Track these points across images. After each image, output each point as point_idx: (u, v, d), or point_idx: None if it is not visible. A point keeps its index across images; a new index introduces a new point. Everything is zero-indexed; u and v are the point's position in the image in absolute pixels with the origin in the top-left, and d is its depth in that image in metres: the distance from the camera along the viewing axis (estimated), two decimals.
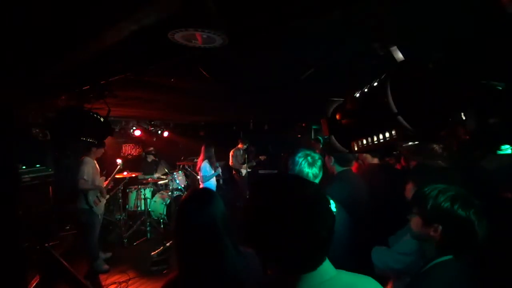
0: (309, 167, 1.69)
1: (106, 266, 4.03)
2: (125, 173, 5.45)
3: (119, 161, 5.03)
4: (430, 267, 1.17)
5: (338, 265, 0.83)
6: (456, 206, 1.13)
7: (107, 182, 4.36)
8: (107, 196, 4.27)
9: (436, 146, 2.06)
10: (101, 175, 4.24)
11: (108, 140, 3.86)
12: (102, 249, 4.31)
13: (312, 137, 7.92)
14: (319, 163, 1.73)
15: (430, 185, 1.23)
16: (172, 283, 1.20)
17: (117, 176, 5.32)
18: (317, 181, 1.72)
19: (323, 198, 0.78)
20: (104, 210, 4.26)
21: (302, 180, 0.85)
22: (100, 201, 4.07)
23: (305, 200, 0.75)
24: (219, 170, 5.22)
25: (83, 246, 4.07)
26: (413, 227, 1.26)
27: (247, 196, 0.82)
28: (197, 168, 5.10)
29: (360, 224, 1.98)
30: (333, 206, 1.70)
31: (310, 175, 1.68)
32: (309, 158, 1.70)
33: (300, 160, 1.70)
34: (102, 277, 3.82)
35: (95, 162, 4.07)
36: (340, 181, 2.16)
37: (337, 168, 2.22)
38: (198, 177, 5.11)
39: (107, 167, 5.06)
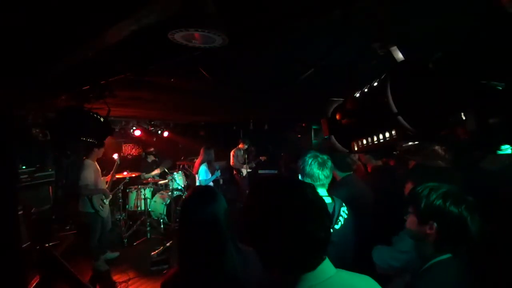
0: (319, 167, 1.67)
1: (106, 266, 4.03)
2: (125, 173, 5.44)
3: (115, 156, 4.94)
4: (428, 266, 1.18)
5: (346, 267, 0.84)
6: (448, 203, 1.14)
7: (108, 178, 4.39)
8: (110, 197, 4.29)
9: (438, 148, 2.04)
10: (102, 175, 4.24)
11: (108, 140, 3.85)
12: (110, 248, 4.39)
13: (312, 137, 7.92)
14: (329, 163, 1.72)
15: (424, 184, 1.25)
16: (171, 279, 1.20)
17: (117, 176, 5.31)
18: (328, 181, 1.72)
19: (320, 200, 0.79)
20: (109, 213, 4.26)
21: (299, 182, 0.87)
22: (105, 204, 4.06)
23: (302, 202, 0.76)
24: (218, 172, 5.16)
25: (83, 247, 4.08)
26: (410, 226, 1.27)
27: (246, 197, 0.84)
28: (194, 172, 4.99)
29: (365, 228, 1.98)
30: (344, 209, 1.70)
31: (322, 176, 1.67)
32: (319, 158, 1.70)
33: (310, 160, 1.69)
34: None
35: (96, 163, 4.06)
36: (344, 187, 2.15)
37: (339, 174, 2.22)
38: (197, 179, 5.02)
39: (107, 167, 5.02)
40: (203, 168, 4.84)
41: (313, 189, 0.81)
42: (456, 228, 1.14)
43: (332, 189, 2.11)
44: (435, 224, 1.16)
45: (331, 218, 0.80)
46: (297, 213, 0.74)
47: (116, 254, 4.40)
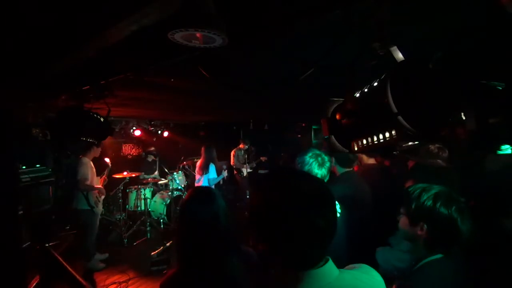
0: (318, 168, 1.71)
1: (101, 264, 4.04)
2: (125, 173, 5.44)
3: (107, 159, 4.86)
4: (420, 266, 1.18)
5: (340, 265, 0.83)
6: (438, 204, 1.14)
7: (101, 181, 4.40)
8: (103, 196, 4.28)
9: (432, 146, 2.05)
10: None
11: (108, 140, 3.85)
12: (99, 250, 4.30)
13: (313, 137, 7.92)
14: (328, 164, 1.75)
15: (414, 185, 1.25)
16: (171, 280, 1.20)
17: (117, 176, 5.31)
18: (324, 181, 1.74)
19: (324, 190, 0.78)
20: (104, 210, 4.26)
21: (303, 173, 0.87)
22: (99, 201, 4.08)
23: (303, 191, 0.76)
24: (225, 172, 5.15)
25: (79, 246, 4.07)
26: (402, 227, 1.27)
27: (249, 197, 0.84)
28: (199, 172, 4.89)
29: (364, 225, 1.98)
30: (337, 206, 1.71)
31: (319, 176, 1.70)
32: (319, 159, 1.73)
33: (311, 160, 1.73)
34: (102, 277, 3.82)
35: (91, 162, 4.08)
36: (343, 183, 2.15)
37: (339, 169, 2.21)
38: (196, 178, 4.99)
39: (98, 169, 4.97)
40: (212, 167, 4.83)
41: (316, 179, 0.81)
42: (446, 229, 1.14)
43: (330, 185, 2.11)
44: (425, 226, 1.16)
45: (335, 210, 0.80)
46: (296, 200, 0.74)
47: (105, 255, 4.32)
